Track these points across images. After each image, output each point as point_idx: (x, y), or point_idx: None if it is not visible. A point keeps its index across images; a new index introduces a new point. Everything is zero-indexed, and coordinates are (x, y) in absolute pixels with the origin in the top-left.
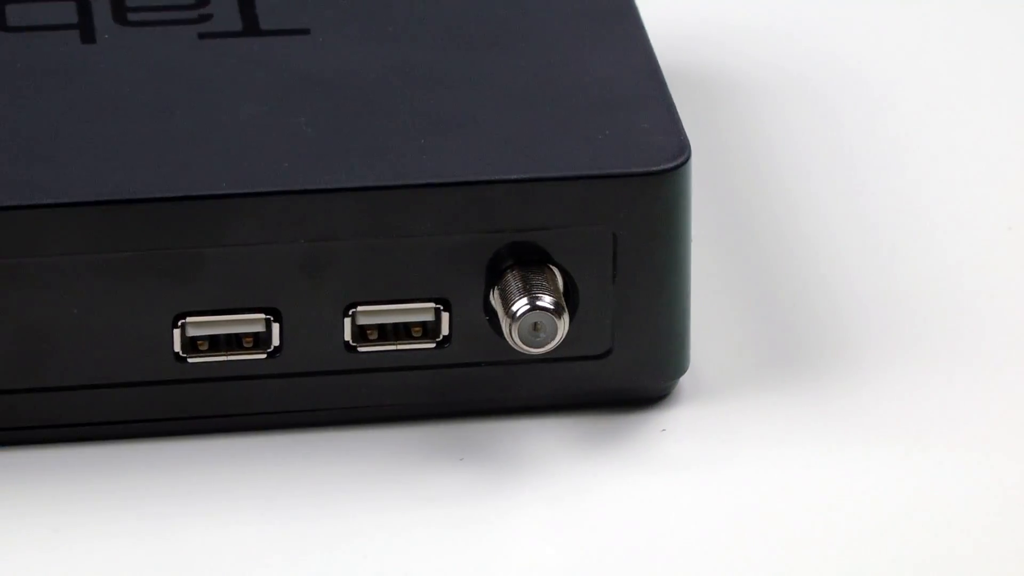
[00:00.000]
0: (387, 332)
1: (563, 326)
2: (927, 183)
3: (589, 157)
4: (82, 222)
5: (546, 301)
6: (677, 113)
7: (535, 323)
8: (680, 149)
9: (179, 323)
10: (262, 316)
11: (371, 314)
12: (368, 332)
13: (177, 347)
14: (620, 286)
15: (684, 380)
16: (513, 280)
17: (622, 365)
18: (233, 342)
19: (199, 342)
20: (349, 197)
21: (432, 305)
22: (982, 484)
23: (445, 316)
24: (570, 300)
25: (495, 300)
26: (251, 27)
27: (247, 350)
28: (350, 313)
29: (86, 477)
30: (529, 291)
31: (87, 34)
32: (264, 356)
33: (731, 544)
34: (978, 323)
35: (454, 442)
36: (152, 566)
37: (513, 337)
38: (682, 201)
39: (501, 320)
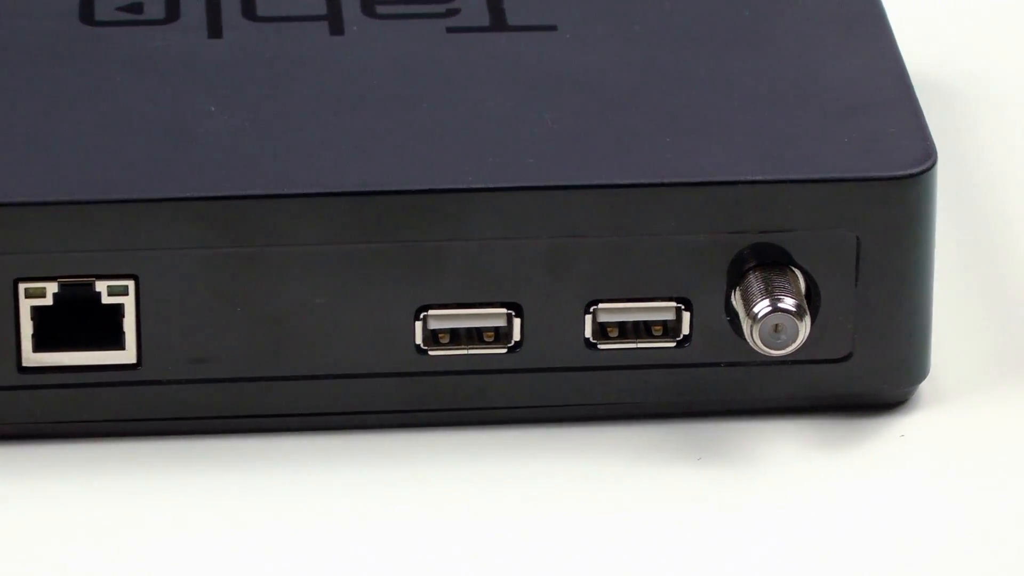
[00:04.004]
0: (627, 330)
1: (804, 329)
2: None
3: (834, 160)
4: (328, 212)
5: (788, 303)
6: (924, 118)
7: (776, 325)
8: (926, 154)
9: (421, 315)
10: (504, 311)
11: (612, 311)
12: (609, 329)
13: (419, 339)
14: (862, 290)
15: (924, 386)
16: (755, 281)
17: (862, 369)
18: (474, 336)
19: (440, 335)
20: (593, 194)
21: (673, 304)
22: None
23: (686, 316)
24: (812, 303)
25: (736, 301)
26: (498, 22)
27: (488, 344)
28: (591, 310)
29: (326, 466)
30: (771, 293)
31: (336, 26)
32: (504, 351)
33: (970, 552)
34: None
35: (692, 442)
36: (383, 557)
37: (754, 338)
38: (927, 206)
39: (742, 321)
